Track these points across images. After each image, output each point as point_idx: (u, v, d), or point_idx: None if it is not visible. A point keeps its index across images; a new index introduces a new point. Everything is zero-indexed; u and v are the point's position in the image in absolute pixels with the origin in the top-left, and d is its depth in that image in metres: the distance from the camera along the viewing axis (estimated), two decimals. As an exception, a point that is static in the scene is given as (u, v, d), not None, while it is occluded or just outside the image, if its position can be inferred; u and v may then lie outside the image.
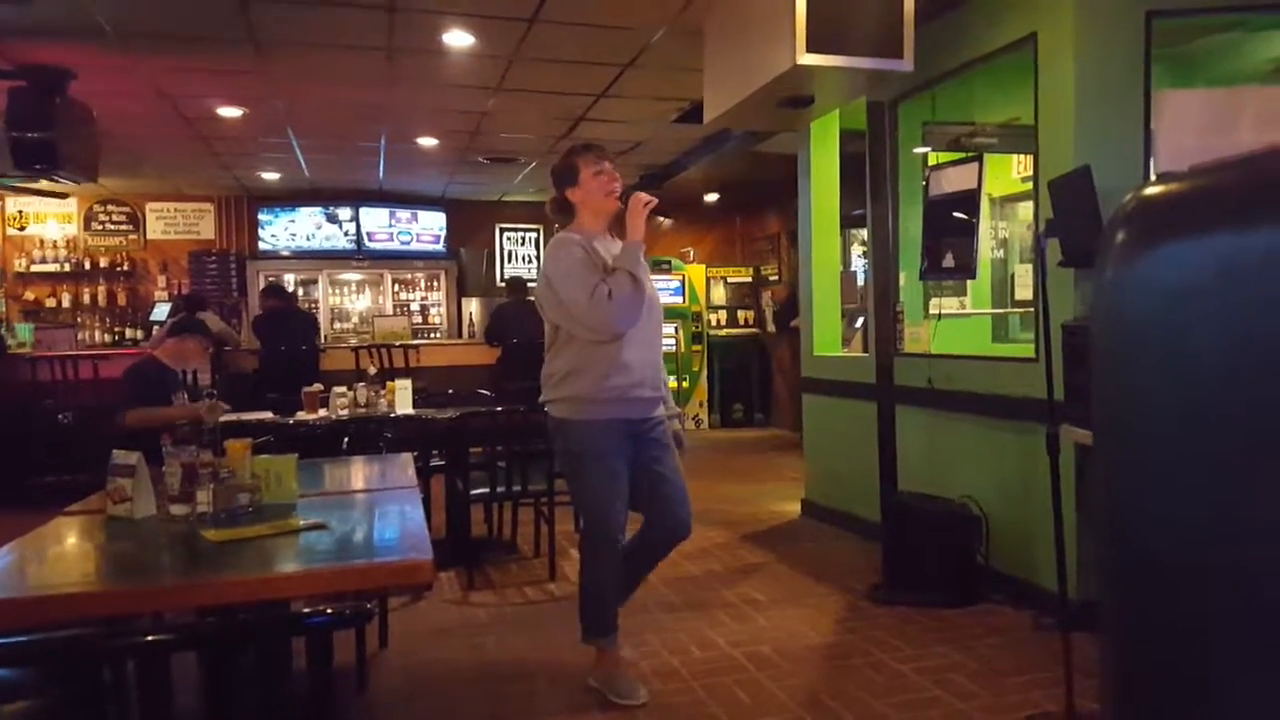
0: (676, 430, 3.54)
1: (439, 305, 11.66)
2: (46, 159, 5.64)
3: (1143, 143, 3.93)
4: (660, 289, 10.67)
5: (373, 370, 6.24)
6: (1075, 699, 2.97)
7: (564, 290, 3.16)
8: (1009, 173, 6.40)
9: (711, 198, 11.50)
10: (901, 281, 5.46)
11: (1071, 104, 3.99)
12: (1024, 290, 6.24)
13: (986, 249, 6.31)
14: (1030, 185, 4.81)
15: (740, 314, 11.96)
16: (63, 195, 8.42)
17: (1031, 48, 4.24)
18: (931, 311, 5.55)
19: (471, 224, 11.63)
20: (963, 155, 5.10)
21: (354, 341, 9.79)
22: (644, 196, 3.21)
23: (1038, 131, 4.25)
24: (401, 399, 5.18)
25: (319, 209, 10.87)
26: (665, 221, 3.24)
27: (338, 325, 11.22)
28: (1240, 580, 0.77)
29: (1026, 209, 6.10)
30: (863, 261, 8.29)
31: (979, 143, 5.60)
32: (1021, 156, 6.12)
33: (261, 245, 10.84)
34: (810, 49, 3.96)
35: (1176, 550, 0.85)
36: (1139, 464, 0.90)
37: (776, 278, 11.53)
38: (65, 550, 2.44)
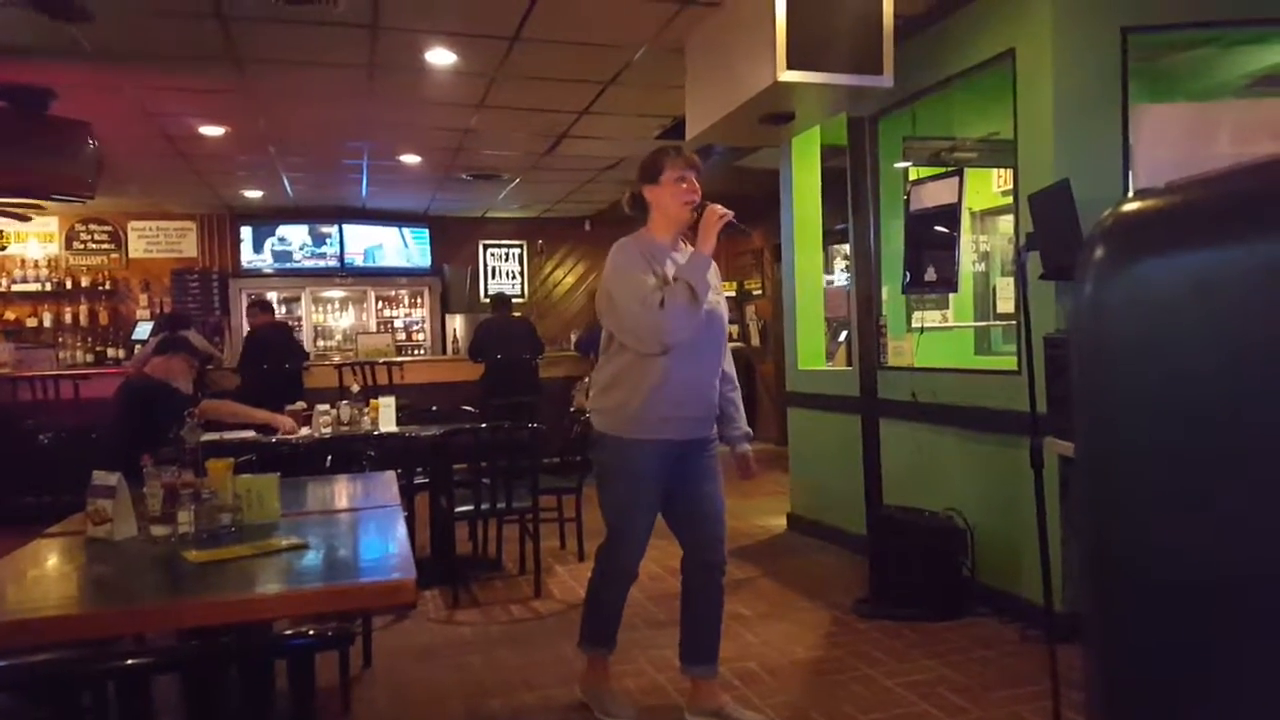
0: (745, 452, 3.43)
1: (422, 322, 11.63)
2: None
3: (1121, 156, 3.97)
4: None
5: (356, 388, 6.20)
6: (1062, 712, 2.97)
7: (617, 295, 3.06)
8: (989, 187, 6.46)
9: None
10: (884, 295, 5.48)
11: (1050, 118, 4.03)
12: (1005, 303, 6.29)
13: (968, 262, 6.35)
14: (1010, 199, 4.85)
15: (725, 328, 11.96)
16: (23, 218, 8.30)
17: (1010, 63, 4.28)
18: (914, 325, 5.58)
19: (455, 240, 11.63)
20: (943, 170, 5.14)
21: (337, 359, 9.76)
22: (719, 209, 3.07)
23: (1017, 146, 4.29)
24: (385, 416, 5.16)
25: (302, 226, 10.85)
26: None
27: (321, 343, 11.17)
28: (1224, 593, 0.78)
29: (1007, 223, 6.15)
30: (845, 276, 8.32)
31: (959, 157, 5.65)
32: (1001, 171, 6.17)
33: (244, 263, 10.80)
34: (791, 66, 3.99)
35: (1160, 563, 0.85)
36: (1121, 477, 0.90)
37: (760, 292, 11.56)
38: (45, 572, 2.41)
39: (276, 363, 8.07)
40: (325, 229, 10.88)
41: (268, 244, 10.82)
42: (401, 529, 2.63)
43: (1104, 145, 3.98)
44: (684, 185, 3.13)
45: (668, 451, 3.13)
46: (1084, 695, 1.07)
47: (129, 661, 2.16)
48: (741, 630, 4.25)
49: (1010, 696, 3.40)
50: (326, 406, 5.09)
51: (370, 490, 3.50)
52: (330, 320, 11.47)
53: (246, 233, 10.75)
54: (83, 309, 10.29)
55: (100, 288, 10.35)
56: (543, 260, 12.24)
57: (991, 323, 6.48)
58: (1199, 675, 0.83)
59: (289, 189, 9.43)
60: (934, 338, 5.62)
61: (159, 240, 10.69)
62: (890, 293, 5.50)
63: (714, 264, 3.18)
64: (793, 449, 6.56)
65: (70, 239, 10.35)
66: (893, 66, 4.13)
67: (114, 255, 10.51)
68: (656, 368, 3.04)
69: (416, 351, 11.29)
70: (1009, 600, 4.28)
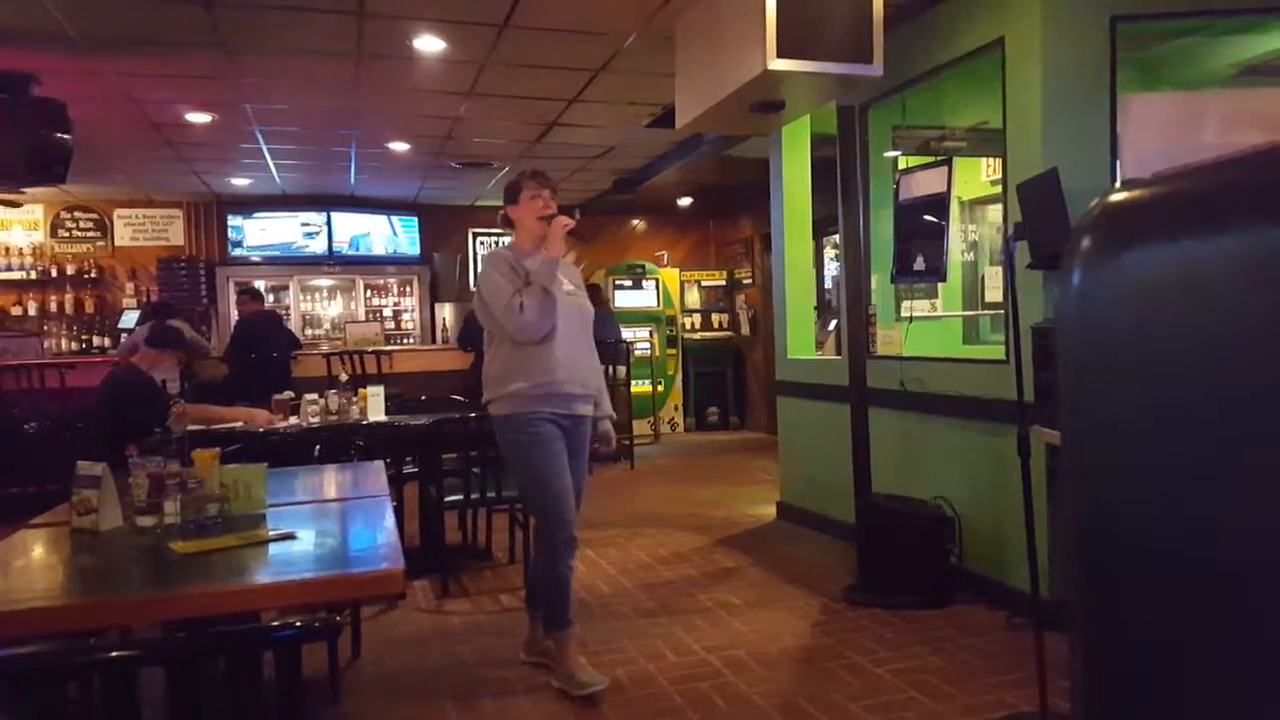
0: (607, 430, 3.85)
1: (411, 311, 11.59)
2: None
3: (1109, 146, 3.97)
4: (637, 294, 10.83)
5: (344, 377, 6.18)
6: (1049, 698, 2.99)
7: (488, 299, 3.50)
8: (978, 176, 6.46)
9: (685, 202, 11.51)
10: (873, 284, 5.49)
11: (1039, 107, 4.03)
12: (994, 292, 6.30)
13: (956, 252, 6.35)
14: (999, 188, 4.85)
15: (715, 317, 11.98)
16: (13, 204, 8.23)
17: (999, 52, 4.27)
18: (903, 314, 5.59)
19: (444, 229, 11.58)
20: (932, 159, 5.14)
21: (325, 348, 9.71)
22: (563, 219, 3.54)
23: (1006, 135, 4.29)
24: (374, 406, 5.14)
25: (290, 214, 10.79)
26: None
27: (309, 331, 11.10)
28: (1207, 579, 0.78)
29: (995, 212, 6.16)
30: (835, 265, 8.34)
31: (948, 146, 5.65)
32: (990, 160, 6.18)
33: (232, 251, 10.73)
34: (781, 54, 3.97)
35: (1144, 550, 0.85)
36: (1107, 464, 0.90)
37: (750, 281, 11.56)
38: (29, 563, 2.40)
39: (265, 352, 8.03)
40: (313, 217, 10.82)
41: (255, 232, 10.75)
42: (390, 519, 2.62)
43: (1092, 134, 3.98)
44: (539, 202, 3.63)
45: (562, 424, 3.53)
46: (1070, 682, 1.08)
47: (114, 654, 2.16)
48: (730, 619, 4.26)
49: (997, 683, 3.42)
50: (315, 396, 5.06)
51: (359, 480, 3.49)
52: (318, 309, 11.41)
53: (234, 221, 10.68)
54: (68, 297, 10.21)
55: (86, 276, 10.26)
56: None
57: (980, 312, 6.49)
58: (1182, 662, 0.83)
59: (276, 177, 9.38)
60: (922, 327, 5.63)
61: (145, 228, 10.61)
62: (879, 282, 5.50)
63: (575, 268, 3.67)
64: (782, 437, 6.57)
65: (55, 227, 10.27)
66: (883, 55, 4.12)
67: (100, 243, 10.42)
68: (541, 352, 3.47)
69: (405, 340, 11.24)
70: (996, 587, 4.30)
